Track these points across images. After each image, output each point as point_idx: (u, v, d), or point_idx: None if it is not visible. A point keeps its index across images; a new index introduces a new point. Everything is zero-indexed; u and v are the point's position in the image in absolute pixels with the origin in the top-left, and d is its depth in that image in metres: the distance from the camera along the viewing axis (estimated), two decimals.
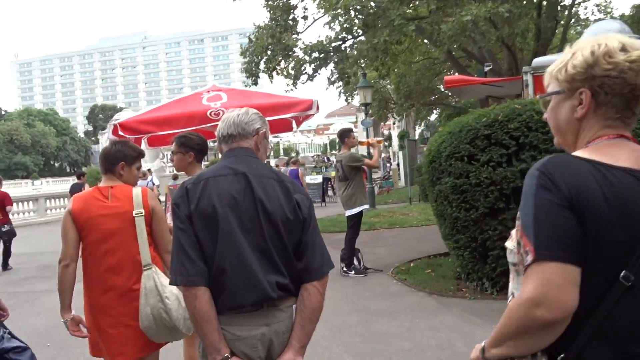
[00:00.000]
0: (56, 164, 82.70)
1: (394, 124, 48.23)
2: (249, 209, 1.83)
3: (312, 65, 18.52)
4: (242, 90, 10.41)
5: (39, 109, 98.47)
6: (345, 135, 6.92)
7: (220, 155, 2.15)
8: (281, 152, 79.68)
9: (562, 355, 1.12)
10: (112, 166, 2.80)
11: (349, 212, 6.80)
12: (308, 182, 20.20)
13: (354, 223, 6.81)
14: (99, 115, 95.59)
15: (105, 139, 47.85)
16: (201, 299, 1.77)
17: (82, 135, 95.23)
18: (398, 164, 34.31)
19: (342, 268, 6.80)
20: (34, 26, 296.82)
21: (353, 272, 6.69)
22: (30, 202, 21.33)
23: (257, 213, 1.83)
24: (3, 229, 9.66)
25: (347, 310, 5.27)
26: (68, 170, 78.34)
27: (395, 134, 74.63)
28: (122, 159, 2.80)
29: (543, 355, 1.14)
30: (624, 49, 1.16)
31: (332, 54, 18.58)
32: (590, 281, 1.09)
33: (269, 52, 18.89)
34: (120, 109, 79.70)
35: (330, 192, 20.91)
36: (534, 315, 1.07)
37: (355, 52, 15.88)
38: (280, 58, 18.58)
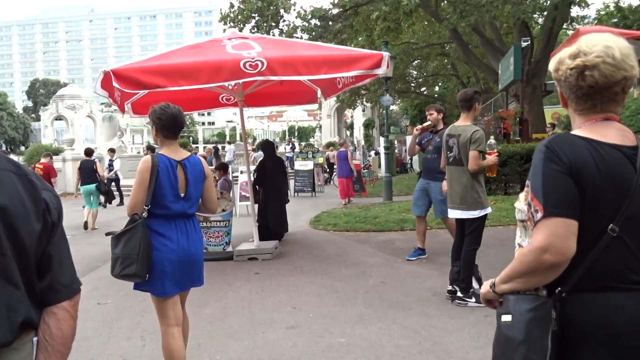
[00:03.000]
0: None
1: (353, 110, 46.28)
2: None
3: (309, 35, 16.17)
4: (277, 39, 8.02)
5: None
6: (474, 99, 4.72)
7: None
8: (237, 137, 76.50)
9: (559, 289, 1.44)
10: None
11: (468, 214, 4.65)
12: (297, 168, 17.90)
13: (475, 228, 4.65)
14: (40, 90, 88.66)
15: (47, 115, 43.46)
16: None
17: (20, 111, 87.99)
18: (377, 153, 32.35)
19: (455, 294, 4.66)
20: None
21: (474, 299, 4.55)
22: None
23: None
24: None
25: None
26: (4, 148, 72.10)
27: (357, 123, 72.54)
28: None
29: (544, 289, 1.47)
30: (576, 55, 1.49)
31: (331, 22, 16.30)
32: (586, 232, 1.41)
33: (255, 19, 16.39)
34: (65, 84, 73.94)
35: (317, 182, 18.60)
36: (542, 259, 1.40)
37: (372, 16, 13.58)
38: (268, 25, 16.10)
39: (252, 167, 15.75)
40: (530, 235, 1.48)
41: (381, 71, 6.06)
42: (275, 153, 9.21)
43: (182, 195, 3.03)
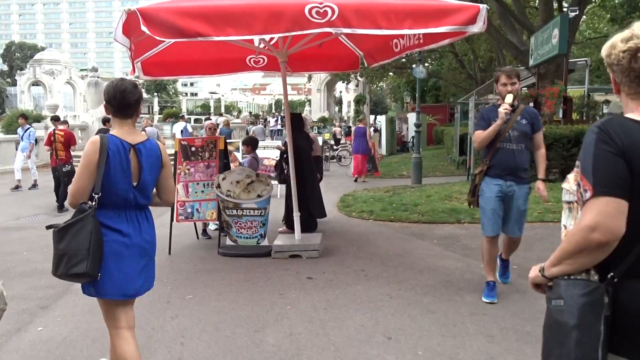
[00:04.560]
0: None
1: (347, 84, 44.78)
2: None
3: None
4: None
5: None
6: None
7: None
8: (222, 109, 74.80)
9: (611, 274, 1.44)
10: None
11: None
12: None
13: None
14: (15, 54, 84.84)
15: (24, 80, 41.10)
16: None
17: None
18: (376, 130, 31.01)
19: None
20: None
21: None
22: None
23: None
24: (64, 169, 9.41)
25: None
26: None
27: (346, 98, 71.27)
28: None
29: (595, 273, 1.47)
30: (628, 39, 1.49)
31: None
32: (637, 216, 1.40)
33: None
34: (42, 49, 70.64)
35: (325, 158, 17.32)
36: (591, 238, 1.40)
37: None
38: None
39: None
40: (574, 217, 1.58)
41: (476, 28, 4.72)
42: (305, 128, 7.88)
43: (135, 184, 2.64)
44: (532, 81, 20.09)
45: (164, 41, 5.78)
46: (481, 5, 4.73)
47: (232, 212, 6.04)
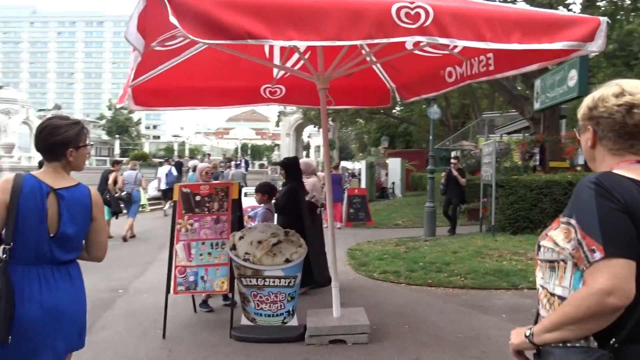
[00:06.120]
0: None
1: (319, 129, 44.11)
2: None
3: None
4: None
5: None
6: None
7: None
8: (186, 152, 73.10)
9: (613, 339, 1.30)
10: None
11: None
12: None
13: None
14: None
15: None
16: None
17: None
18: (354, 175, 30.02)
19: None
20: None
21: None
22: None
23: None
24: None
25: None
26: None
27: (313, 143, 70.90)
28: None
29: (594, 340, 1.32)
30: (620, 94, 1.45)
31: None
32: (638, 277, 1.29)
33: None
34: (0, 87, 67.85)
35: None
36: (606, 302, 1.26)
37: None
38: None
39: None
40: (560, 277, 1.45)
41: (595, 46, 3.60)
42: (305, 175, 6.59)
43: (52, 234, 2.22)
44: (516, 127, 19.73)
45: (175, 58, 4.52)
46: (602, 18, 3.65)
47: (250, 281, 4.62)
